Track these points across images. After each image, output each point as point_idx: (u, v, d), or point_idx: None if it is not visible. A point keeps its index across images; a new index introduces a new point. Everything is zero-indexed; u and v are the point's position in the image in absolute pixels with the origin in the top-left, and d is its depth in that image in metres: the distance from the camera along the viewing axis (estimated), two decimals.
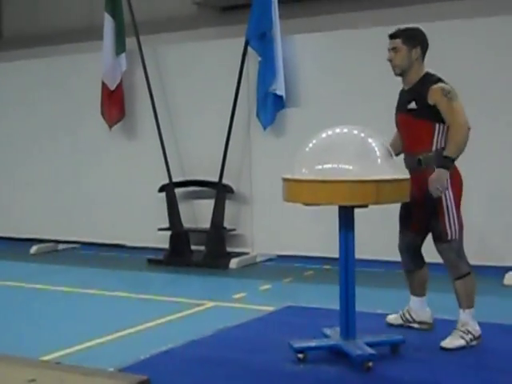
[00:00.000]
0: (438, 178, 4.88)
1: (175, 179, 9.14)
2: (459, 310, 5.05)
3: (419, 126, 5.05)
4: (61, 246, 10.30)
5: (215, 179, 8.76)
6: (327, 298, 5.63)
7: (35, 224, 10.35)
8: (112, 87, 9.32)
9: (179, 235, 9.05)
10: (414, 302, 5.49)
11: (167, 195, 9.10)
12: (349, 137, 4.73)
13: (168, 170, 9.11)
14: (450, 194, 4.99)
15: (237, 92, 8.59)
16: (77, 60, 10.20)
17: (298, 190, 4.63)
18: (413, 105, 5.05)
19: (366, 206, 4.58)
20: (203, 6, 11.48)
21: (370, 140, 4.66)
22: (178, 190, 9.16)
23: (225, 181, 8.76)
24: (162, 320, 6.03)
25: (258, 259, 8.86)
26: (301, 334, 5.14)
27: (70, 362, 4.63)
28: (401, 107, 5.21)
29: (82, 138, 10.01)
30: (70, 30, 15.77)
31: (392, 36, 5.16)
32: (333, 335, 4.97)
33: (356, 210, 4.70)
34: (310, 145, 4.75)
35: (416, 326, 5.48)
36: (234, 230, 8.87)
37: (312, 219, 7.64)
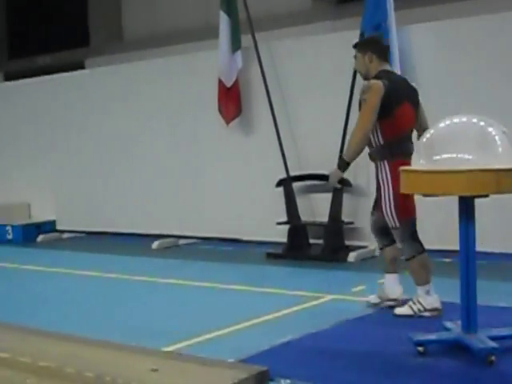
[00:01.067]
0: (331, 175, 5.83)
1: (292, 173, 9.18)
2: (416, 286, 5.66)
3: None
4: (181, 241, 10.51)
5: None
6: (448, 291, 5.51)
7: (157, 220, 10.62)
8: (228, 84, 9.44)
9: (297, 229, 9.08)
10: (386, 278, 5.97)
11: (285, 189, 9.15)
12: (468, 126, 4.61)
13: (285, 164, 9.16)
14: (388, 187, 5.56)
15: (352, 84, 8.53)
16: (194, 59, 10.40)
17: (416, 181, 4.57)
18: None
19: (486, 195, 4.47)
20: (318, 0, 11.43)
21: (489, 129, 4.52)
22: (296, 184, 9.20)
23: None
24: (281, 313, 6.06)
25: (377, 252, 8.77)
26: (420, 328, 5.06)
27: (191, 352, 4.72)
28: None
29: (200, 134, 10.20)
30: (186, 30, 16.11)
31: (353, 46, 5.95)
32: (454, 329, 4.87)
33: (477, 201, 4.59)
34: (428, 135, 4.67)
35: (390, 303, 5.90)
36: (351, 223, 8.82)
37: (430, 210, 7.49)
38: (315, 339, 5.19)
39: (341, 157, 5.65)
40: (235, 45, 9.40)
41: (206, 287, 7.45)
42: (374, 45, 5.87)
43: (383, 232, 5.84)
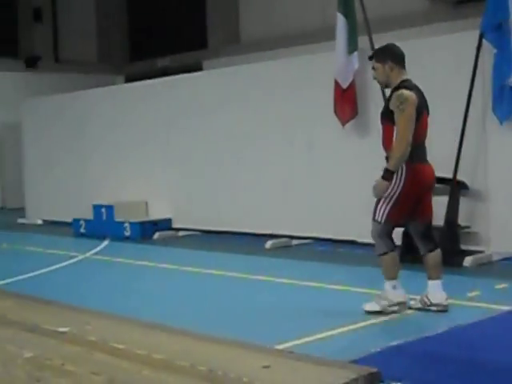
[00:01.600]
0: (376, 187, 5.88)
1: None
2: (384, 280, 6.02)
3: (384, 127, 5.98)
4: (295, 242, 10.56)
5: (449, 175, 8.57)
6: None
7: (270, 220, 10.71)
8: (344, 86, 9.43)
9: None
10: (430, 285, 6.07)
11: None
12: None
13: None
14: (398, 188, 5.82)
15: (471, 86, 8.36)
16: (310, 60, 10.43)
17: None
18: (383, 109, 6.02)
19: None
20: (436, 1, 11.26)
21: None
22: None
23: (459, 177, 8.55)
24: (393, 316, 6.01)
25: (494, 258, 8.56)
26: None
27: (302, 351, 4.75)
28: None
29: (315, 136, 10.22)
30: (302, 31, 16.17)
31: (369, 58, 6.23)
32: None
33: None
34: None
35: (433, 308, 6.03)
36: (468, 227, 8.64)
37: None
38: (427, 343, 5.13)
39: (386, 169, 5.80)
40: (352, 46, 9.37)
41: (318, 287, 7.46)
42: (392, 53, 6.08)
43: (426, 237, 6.07)
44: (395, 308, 5.99)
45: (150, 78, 13.74)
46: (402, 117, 5.73)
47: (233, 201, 11.35)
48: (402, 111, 5.73)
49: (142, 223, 12.10)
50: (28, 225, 15.02)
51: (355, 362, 4.54)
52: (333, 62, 9.50)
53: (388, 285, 6.03)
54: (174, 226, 12.22)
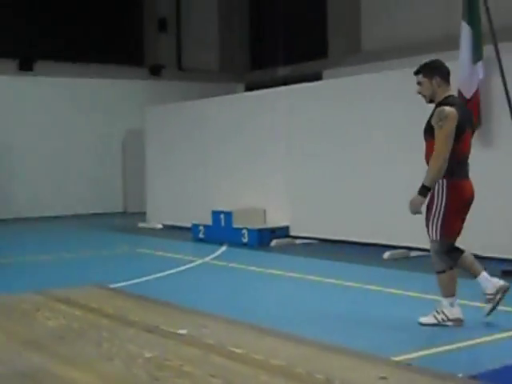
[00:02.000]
0: (413, 203, 6.00)
1: None
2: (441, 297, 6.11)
3: (426, 142, 6.11)
4: (413, 253, 10.40)
5: None
6: None
7: (388, 231, 10.60)
8: (468, 95, 9.22)
9: None
10: (480, 279, 6.13)
11: None
12: None
13: None
14: (442, 204, 5.95)
15: None
16: None
17: None
18: (425, 125, 6.08)
19: None
20: None
21: None
22: None
23: None
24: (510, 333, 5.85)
25: None
26: None
27: (418, 364, 4.67)
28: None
29: None
30: (426, 41, 15.92)
31: (415, 73, 6.27)
32: None
33: None
34: None
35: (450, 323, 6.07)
36: None
37: None
38: None
39: (423, 185, 5.94)
40: (477, 55, 9.16)
41: (437, 301, 7.31)
42: (440, 69, 6.20)
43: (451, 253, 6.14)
44: (450, 323, 6.06)
45: (270, 86, 13.87)
46: (440, 133, 5.85)
47: (350, 210, 11.30)
48: (440, 127, 5.85)
49: (260, 230, 12.21)
50: (148, 229, 15.42)
51: (474, 377, 4.43)
52: (456, 72, 9.32)
53: (446, 301, 6.10)
54: (292, 233, 12.27)
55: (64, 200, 19.14)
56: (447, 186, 5.95)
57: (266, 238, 12.11)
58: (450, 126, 5.84)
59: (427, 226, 6.09)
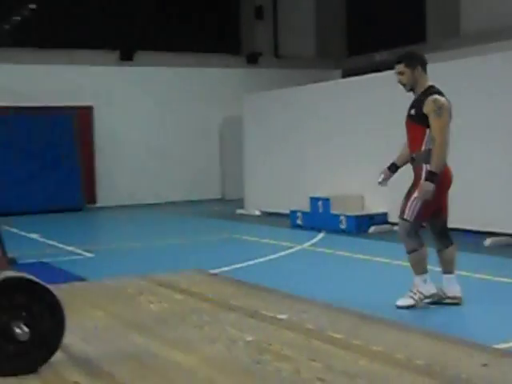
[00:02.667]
0: (425, 189, 6.09)
1: None
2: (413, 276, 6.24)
3: (415, 129, 6.29)
4: None
5: None
6: None
7: (491, 217, 10.38)
8: None
9: None
10: (445, 278, 6.32)
11: None
12: None
13: None
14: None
15: None
16: None
17: None
18: (413, 111, 6.30)
19: None
20: None
21: None
22: None
23: None
24: None
25: None
26: None
27: None
28: (407, 113, 6.39)
29: None
30: None
31: (396, 62, 6.45)
32: None
33: None
34: None
35: (448, 301, 6.25)
36: None
37: None
38: None
39: (430, 172, 6.09)
40: None
41: None
42: (421, 59, 6.42)
43: (443, 234, 6.36)
44: (428, 300, 6.22)
45: (366, 72, 13.75)
46: (439, 122, 6.10)
47: (451, 197, 11.09)
48: (439, 116, 6.09)
49: (358, 217, 12.16)
50: (246, 215, 15.57)
51: None
52: None
53: (419, 279, 6.24)
54: (390, 220, 12.17)
55: (163, 187, 19.51)
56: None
57: (364, 225, 12.05)
58: (446, 116, 6.13)
59: (405, 203, 6.28)
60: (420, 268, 6.27)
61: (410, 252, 6.30)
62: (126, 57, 19.49)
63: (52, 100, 18.05)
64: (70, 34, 18.83)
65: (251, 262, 9.18)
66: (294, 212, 13.26)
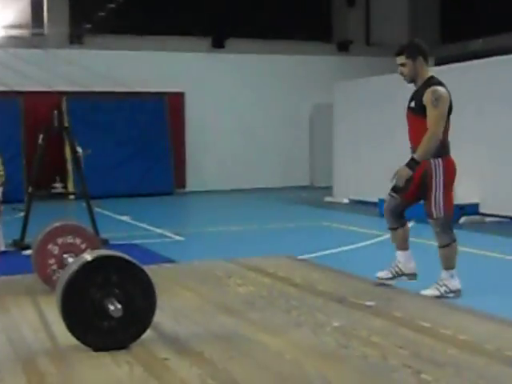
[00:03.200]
0: (401, 174, 6.04)
1: None
2: (442, 269, 6.20)
3: (416, 121, 6.10)
4: None
5: None
6: None
7: None
8: None
9: None
10: (400, 255, 6.35)
11: None
12: None
13: None
14: (440, 180, 6.07)
15: None
16: None
17: None
18: (413, 104, 6.15)
19: None
20: None
21: None
22: None
23: None
24: None
25: None
26: None
27: None
28: (407, 105, 6.24)
29: None
30: None
31: (397, 54, 6.27)
32: None
33: None
34: None
35: (404, 278, 6.30)
36: None
37: None
38: None
39: (413, 159, 6.01)
40: None
41: None
42: (422, 49, 6.24)
43: (400, 215, 6.33)
44: (452, 295, 6.15)
45: (460, 61, 13.50)
46: (435, 112, 5.92)
47: None
48: (435, 107, 5.91)
49: None
50: (334, 203, 15.54)
51: None
52: None
53: (447, 274, 6.20)
54: (482, 211, 11.95)
55: (252, 173, 19.67)
56: (444, 164, 6.08)
57: (454, 215, 11.82)
58: (444, 107, 5.96)
59: (429, 204, 6.13)
60: (450, 263, 6.24)
61: (442, 246, 6.24)
62: (218, 44, 19.67)
63: (144, 86, 18.37)
64: (162, 20, 19.12)
65: (338, 250, 9.19)
66: (382, 201, 13.09)
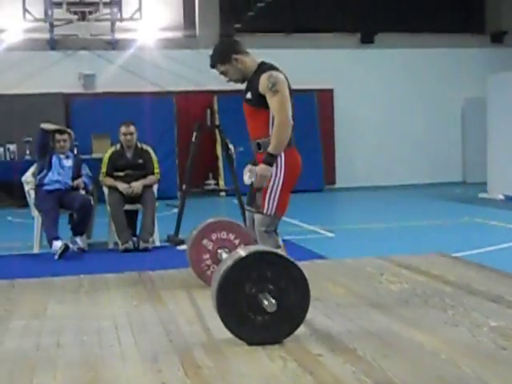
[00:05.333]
0: (262, 174, 5.18)
1: None
2: None
3: (254, 112, 5.40)
4: None
5: None
6: None
7: None
8: None
9: None
10: None
11: None
12: None
13: None
14: (280, 176, 5.28)
15: None
16: None
17: None
18: (249, 95, 5.41)
19: None
20: None
21: None
22: None
23: None
24: None
25: None
26: None
27: None
28: (243, 97, 5.47)
29: None
30: None
31: (211, 66, 5.54)
32: None
33: None
34: None
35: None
36: None
37: None
38: None
39: (267, 153, 5.21)
40: None
41: None
42: (230, 47, 5.57)
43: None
44: None
45: None
46: (277, 98, 5.24)
47: None
48: (275, 92, 5.25)
49: None
50: (489, 199, 15.07)
51: None
52: None
53: None
54: None
55: (401, 169, 19.38)
56: (285, 156, 5.31)
57: None
58: (284, 89, 5.30)
59: (263, 199, 5.30)
60: None
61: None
62: (367, 39, 19.52)
63: (294, 83, 18.40)
64: (311, 18, 19.17)
65: (494, 248, 8.89)
66: None
